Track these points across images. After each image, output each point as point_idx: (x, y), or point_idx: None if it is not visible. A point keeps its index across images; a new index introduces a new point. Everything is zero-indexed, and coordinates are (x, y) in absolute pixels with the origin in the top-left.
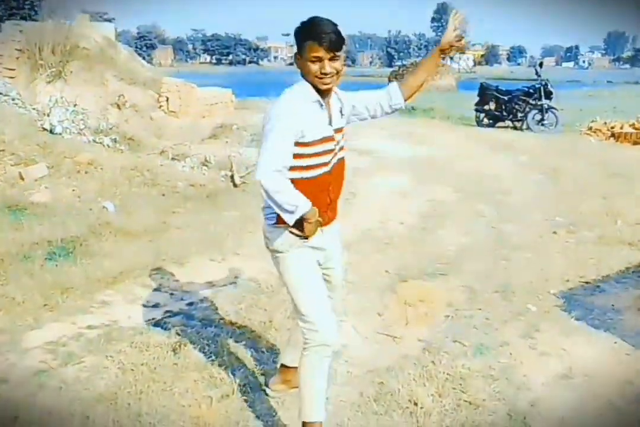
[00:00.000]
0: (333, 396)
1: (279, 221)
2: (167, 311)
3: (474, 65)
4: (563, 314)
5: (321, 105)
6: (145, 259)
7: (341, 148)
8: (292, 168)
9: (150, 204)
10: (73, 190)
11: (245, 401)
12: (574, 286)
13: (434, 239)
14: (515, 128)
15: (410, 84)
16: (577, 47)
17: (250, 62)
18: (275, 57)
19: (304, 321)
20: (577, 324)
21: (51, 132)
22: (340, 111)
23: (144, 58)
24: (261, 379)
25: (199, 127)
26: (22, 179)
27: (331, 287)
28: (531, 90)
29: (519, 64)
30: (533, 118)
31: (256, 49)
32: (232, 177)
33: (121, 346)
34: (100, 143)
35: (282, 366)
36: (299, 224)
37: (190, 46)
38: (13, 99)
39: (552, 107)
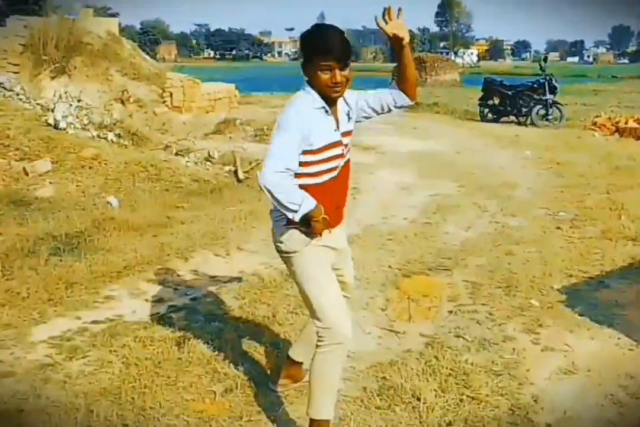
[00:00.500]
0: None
1: (290, 221)
2: (171, 306)
3: (478, 60)
4: (566, 310)
5: (327, 111)
6: (150, 254)
7: (348, 151)
8: (301, 175)
9: (154, 199)
10: (77, 185)
11: (249, 395)
12: (577, 281)
13: (437, 234)
14: (519, 123)
15: (402, 82)
16: (581, 42)
17: (253, 57)
18: (279, 52)
19: (320, 319)
20: (580, 319)
21: (55, 127)
22: (348, 115)
23: (147, 53)
24: (265, 373)
25: (203, 122)
26: (27, 174)
27: (344, 287)
28: (535, 85)
29: (523, 59)
30: (537, 113)
31: (260, 44)
32: (235, 172)
33: (125, 340)
34: (104, 138)
35: (289, 358)
36: (307, 223)
37: (194, 41)
38: (17, 94)
39: (557, 102)
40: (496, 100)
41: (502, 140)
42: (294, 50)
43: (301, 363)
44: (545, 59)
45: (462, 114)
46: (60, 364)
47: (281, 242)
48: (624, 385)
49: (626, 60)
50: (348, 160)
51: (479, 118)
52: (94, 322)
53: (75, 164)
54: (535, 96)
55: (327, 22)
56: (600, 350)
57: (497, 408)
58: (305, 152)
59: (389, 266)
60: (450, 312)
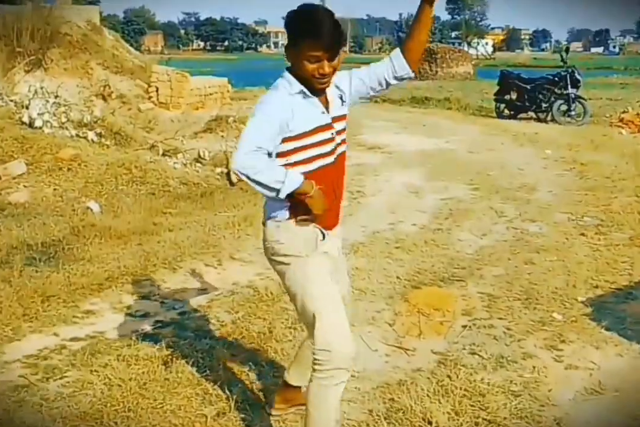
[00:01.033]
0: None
1: (291, 214)
2: (157, 321)
3: (494, 51)
4: (592, 324)
5: (306, 95)
6: (134, 264)
7: (344, 140)
8: (293, 163)
9: (138, 204)
10: (54, 189)
11: (243, 419)
12: (603, 293)
13: (450, 242)
14: (539, 120)
15: (410, 45)
16: (607, 31)
17: (247, 48)
18: (275, 43)
19: (319, 340)
20: (607, 334)
21: (30, 125)
22: (341, 98)
23: (131, 45)
24: (260, 395)
25: (192, 120)
26: None
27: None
28: (556, 79)
29: (542, 50)
30: (559, 109)
31: (254, 34)
32: (228, 174)
33: (107, 359)
34: (84, 137)
35: (285, 383)
36: (302, 209)
37: (182, 31)
38: None
39: (580, 97)
40: (513, 95)
41: (520, 138)
42: None
43: (299, 387)
44: (567, 50)
45: (476, 110)
46: (36, 385)
47: (279, 243)
48: None
49: None
50: (344, 152)
51: (494, 114)
52: (72, 339)
53: (52, 166)
54: (556, 90)
55: None
56: (629, 368)
57: None
58: (289, 139)
59: (397, 277)
60: (465, 327)
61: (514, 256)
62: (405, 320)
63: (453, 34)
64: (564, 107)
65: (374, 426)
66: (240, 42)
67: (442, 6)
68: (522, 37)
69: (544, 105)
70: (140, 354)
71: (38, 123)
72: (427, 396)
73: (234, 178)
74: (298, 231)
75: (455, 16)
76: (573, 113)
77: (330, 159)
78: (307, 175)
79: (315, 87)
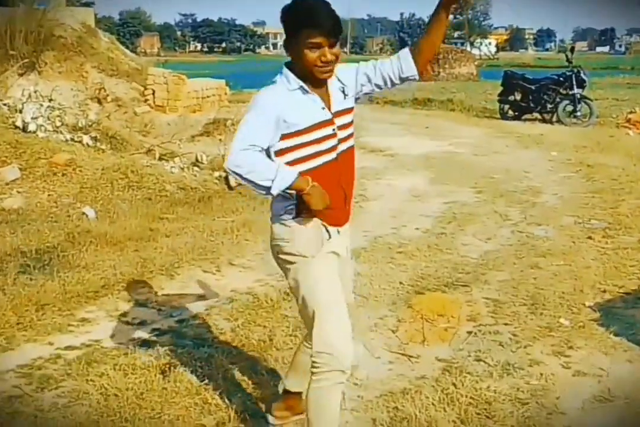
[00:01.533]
0: (342, 423)
1: (298, 212)
2: (154, 329)
3: (497, 51)
4: (600, 329)
5: (305, 91)
6: (130, 271)
7: (350, 135)
8: (293, 161)
9: (135, 210)
10: (49, 194)
11: None
12: (612, 297)
13: (454, 246)
14: (544, 121)
15: (423, 46)
16: (612, 30)
17: (246, 50)
18: (274, 44)
19: (320, 342)
20: (616, 339)
21: (24, 130)
22: (343, 92)
23: (127, 47)
24: (260, 404)
25: (190, 123)
26: None
27: None
28: (561, 79)
29: (547, 50)
30: (564, 109)
31: (252, 36)
32: (226, 178)
33: (104, 368)
34: (79, 142)
35: (285, 391)
36: (302, 207)
37: (179, 33)
38: None
39: (586, 97)
40: (518, 96)
41: (524, 140)
42: None
43: (299, 393)
44: (572, 49)
45: (480, 112)
46: (31, 395)
47: (284, 242)
48: None
49: None
50: (352, 147)
51: (498, 116)
52: (68, 348)
53: (46, 171)
54: (562, 91)
55: None
56: (639, 375)
57: None
58: (287, 136)
59: (400, 282)
60: (470, 333)
61: (520, 261)
62: (409, 326)
63: (456, 34)
64: (569, 108)
65: None
66: (238, 44)
67: None
68: (526, 36)
69: (549, 106)
70: (137, 363)
71: (32, 127)
72: (432, 404)
73: (232, 182)
74: (303, 229)
75: (458, 16)
76: (579, 114)
77: (331, 156)
78: (309, 172)
79: (318, 77)
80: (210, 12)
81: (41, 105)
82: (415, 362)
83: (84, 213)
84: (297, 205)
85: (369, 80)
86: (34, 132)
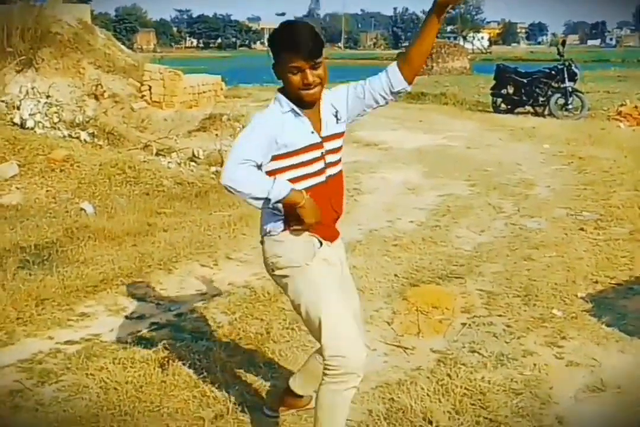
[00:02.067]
0: None
1: (286, 226)
2: (153, 323)
3: (490, 45)
4: (592, 320)
5: (297, 113)
6: (129, 266)
7: (338, 160)
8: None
9: (132, 205)
10: (47, 190)
11: (242, 421)
12: (604, 288)
13: (448, 239)
14: (536, 114)
15: (412, 55)
16: (603, 23)
17: (241, 45)
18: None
19: (332, 348)
20: (608, 330)
21: (22, 126)
22: (335, 116)
23: (123, 43)
24: (258, 397)
25: (186, 119)
26: None
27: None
28: (553, 72)
29: (539, 43)
30: (556, 102)
31: (248, 31)
32: None
33: (103, 362)
34: (77, 138)
35: (288, 388)
36: (296, 220)
37: (174, 29)
38: None
39: (577, 90)
40: (510, 89)
41: (517, 133)
42: None
43: (302, 396)
44: (564, 43)
45: (473, 105)
46: (31, 389)
47: (277, 257)
48: None
49: None
50: (340, 171)
51: (491, 109)
52: (67, 342)
53: (44, 167)
54: (553, 84)
55: (323, 5)
56: (631, 365)
57: None
58: (278, 157)
59: (395, 275)
60: (464, 325)
61: (513, 252)
62: (404, 318)
63: (448, 29)
64: (561, 101)
65: (374, 426)
66: (233, 39)
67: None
68: (518, 30)
69: (541, 99)
70: (136, 356)
71: (30, 124)
72: (427, 395)
73: None
74: (294, 240)
75: (450, 11)
76: (570, 107)
77: (321, 178)
78: None
79: (304, 99)
80: (205, 8)
81: (39, 101)
82: (411, 354)
83: (82, 208)
84: (287, 219)
85: (362, 102)
86: (32, 128)
